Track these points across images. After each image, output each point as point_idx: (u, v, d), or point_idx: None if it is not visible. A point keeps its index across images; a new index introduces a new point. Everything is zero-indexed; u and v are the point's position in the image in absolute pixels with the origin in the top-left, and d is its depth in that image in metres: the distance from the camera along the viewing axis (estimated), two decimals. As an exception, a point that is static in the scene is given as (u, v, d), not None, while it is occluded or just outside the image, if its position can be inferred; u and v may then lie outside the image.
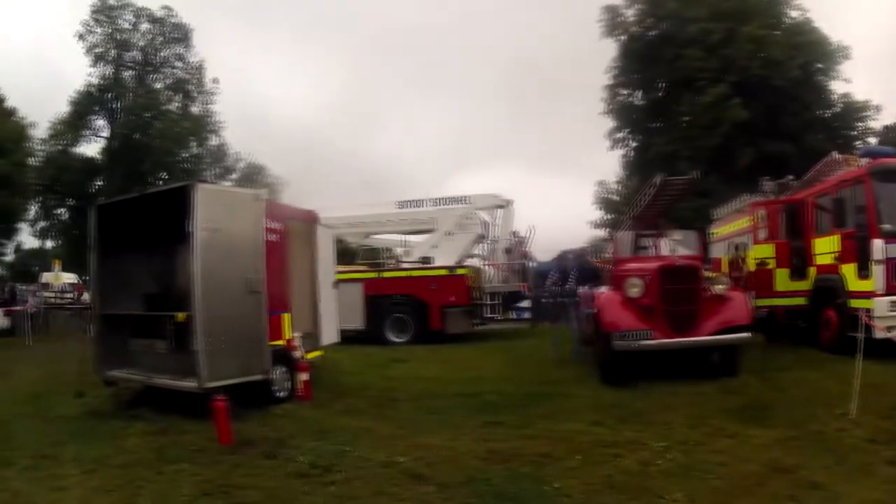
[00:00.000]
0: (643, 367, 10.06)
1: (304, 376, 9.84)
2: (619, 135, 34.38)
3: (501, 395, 9.55)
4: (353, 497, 5.53)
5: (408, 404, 9.34)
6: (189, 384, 8.38)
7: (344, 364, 13.14)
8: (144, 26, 47.96)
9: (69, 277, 36.91)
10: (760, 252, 13.20)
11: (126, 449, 7.29)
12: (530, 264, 20.48)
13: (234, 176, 51.44)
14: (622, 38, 32.75)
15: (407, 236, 22.84)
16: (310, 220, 11.57)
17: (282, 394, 9.52)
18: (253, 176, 51.50)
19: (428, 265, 19.31)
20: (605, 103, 34.22)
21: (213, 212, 8.41)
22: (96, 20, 46.25)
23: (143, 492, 5.86)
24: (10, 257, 48.52)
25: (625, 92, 34.17)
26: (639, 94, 34.10)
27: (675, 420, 7.45)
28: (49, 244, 51.17)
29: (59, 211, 48.13)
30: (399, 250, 23.15)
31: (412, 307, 18.31)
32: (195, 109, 49.83)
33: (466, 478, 5.69)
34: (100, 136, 48.18)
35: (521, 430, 7.35)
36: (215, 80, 49.91)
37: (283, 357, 9.63)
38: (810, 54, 28.10)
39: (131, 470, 6.49)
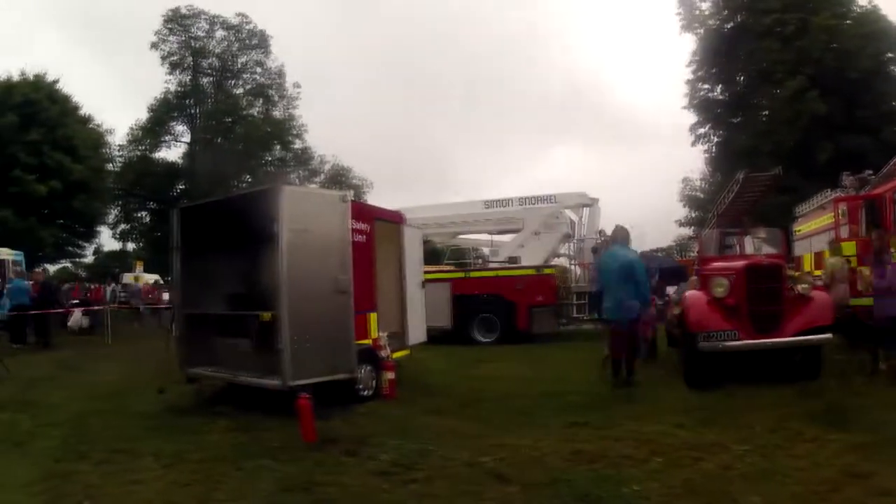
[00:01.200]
0: (727, 369, 9.86)
1: (389, 375, 9.90)
2: (702, 130, 34.06)
3: (587, 396, 9.43)
4: (434, 496, 5.47)
5: (493, 404, 9.26)
6: (273, 382, 8.51)
7: (430, 363, 13.18)
8: (219, 34, 49.08)
9: (151, 278, 37.84)
10: (843, 250, 12.79)
11: (206, 445, 7.36)
12: None
13: (319, 178, 52.15)
14: (699, 31, 32.37)
15: (494, 236, 22.79)
16: (396, 220, 11.72)
17: (367, 392, 9.59)
18: (338, 177, 52.12)
19: (515, 265, 19.14)
20: (687, 98, 34.01)
21: (298, 213, 8.52)
22: (169, 29, 47.41)
23: (221, 487, 5.90)
24: (89, 259, 49.88)
25: (705, 86, 33.81)
26: (719, 88, 33.69)
27: (756, 423, 7.28)
28: (130, 246, 52.64)
29: (139, 214, 49.44)
30: (486, 250, 23.38)
31: (499, 307, 18.11)
32: (277, 114, 50.79)
33: (550, 479, 5.61)
34: (180, 141, 49.49)
35: (605, 431, 7.27)
36: (296, 85, 50.90)
37: (369, 356, 9.73)
38: (880, 43, 27.57)
39: (210, 465, 6.54)
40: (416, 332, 12.01)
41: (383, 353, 10.02)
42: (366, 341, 9.76)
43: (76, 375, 13.37)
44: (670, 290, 15.15)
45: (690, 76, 34.05)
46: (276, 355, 8.34)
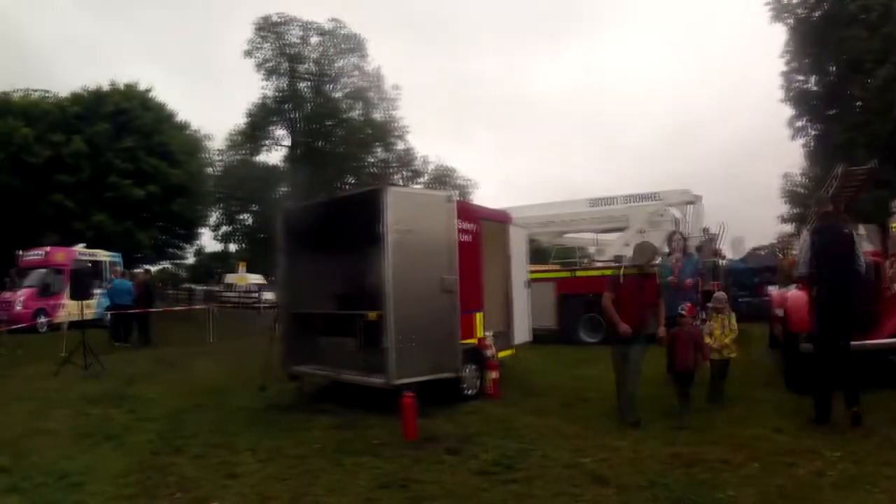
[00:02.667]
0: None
1: (493, 375, 9.97)
2: (799, 123, 33.05)
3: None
4: (532, 496, 5.49)
5: (596, 405, 9.24)
6: (377, 380, 8.66)
7: (535, 363, 13.15)
8: (314, 39, 49.79)
9: (254, 278, 38.85)
10: None
11: (306, 441, 7.50)
12: (721, 262, 19.73)
13: (423, 179, 52.50)
14: (790, 21, 31.46)
15: (599, 235, 22.62)
16: (502, 220, 11.83)
17: (471, 391, 9.67)
18: (443, 178, 52.34)
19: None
20: (783, 90, 33.03)
21: (404, 214, 8.61)
22: (262, 37, 48.38)
23: (318, 482, 6.00)
24: (190, 260, 51.48)
25: (800, 78, 32.71)
26: (813, 79, 32.50)
27: (850, 428, 7.22)
28: (232, 248, 54.14)
29: (242, 216, 50.77)
30: (591, 249, 23.08)
31: None
32: (378, 116, 51.06)
33: (648, 482, 5.66)
34: (281, 145, 50.56)
35: (703, 435, 7.24)
36: (395, 87, 51.24)
37: (475, 355, 9.81)
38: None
39: (309, 460, 6.69)
40: (522, 332, 12.07)
41: (488, 353, 10.07)
42: (471, 340, 9.80)
43: (176, 372, 13.71)
44: (772, 289, 14.82)
45: (784, 68, 33.10)
46: (381, 354, 8.51)
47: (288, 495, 5.70)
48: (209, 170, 46.34)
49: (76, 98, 37.32)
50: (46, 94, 37.99)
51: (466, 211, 10.29)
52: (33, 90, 37.92)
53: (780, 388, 9.74)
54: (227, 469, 6.47)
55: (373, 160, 51.24)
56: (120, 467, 6.61)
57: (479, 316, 10.22)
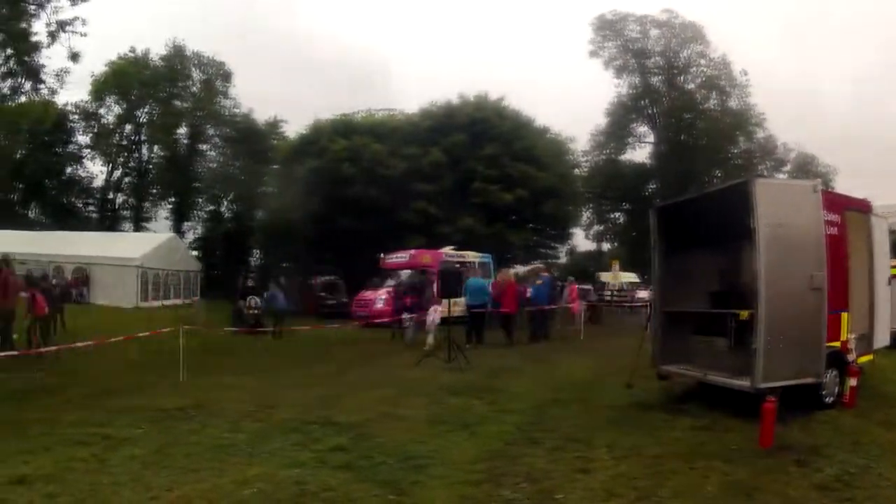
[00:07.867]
0: None
1: (852, 381, 9.27)
2: None
3: None
4: None
5: None
6: (742, 383, 8.49)
7: (887, 370, 12.13)
8: (653, 32, 49.44)
9: (628, 277, 39.48)
10: None
11: (664, 441, 7.56)
12: None
13: (785, 168, 49.97)
14: None
15: None
16: (865, 209, 10.87)
17: (829, 399, 9.13)
18: (804, 166, 49.28)
19: None
20: None
21: (772, 207, 8.30)
22: (603, 36, 49.05)
23: (667, 483, 6.05)
24: (563, 259, 53.30)
25: None
26: None
27: None
28: (605, 246, 55.77)
29: (613, 215, 52.00)
30: None
31: None
32: (733, 104, 49.50)
33: None
34: (644, 142, 51.19)
35: None
36: (744, 72, 49.23)
37: (837, 360, 9.14)
38: None
39: (663, 461, 6.73)
40: (882, 335, 11.06)
41: (850, 357, 9.39)
42: (835, 343, 9.12)
43: (543, 367, 14.26)
44: None
45: None
46: (748, 355, 8.32)
47: (634, 494, 5.84)
48: (577, 171, 47.91)
49: (426, 113, 40.84)
50: (392, 112, 42.38)
51: (831, 201, 9.56)
52: (376, 110, 42.45)
53: None
54: (581, 464, 6.69)
55: (736, 151, 49.40)
56: (470, 454, 7.04)
57: (845, 316, 9.47)
